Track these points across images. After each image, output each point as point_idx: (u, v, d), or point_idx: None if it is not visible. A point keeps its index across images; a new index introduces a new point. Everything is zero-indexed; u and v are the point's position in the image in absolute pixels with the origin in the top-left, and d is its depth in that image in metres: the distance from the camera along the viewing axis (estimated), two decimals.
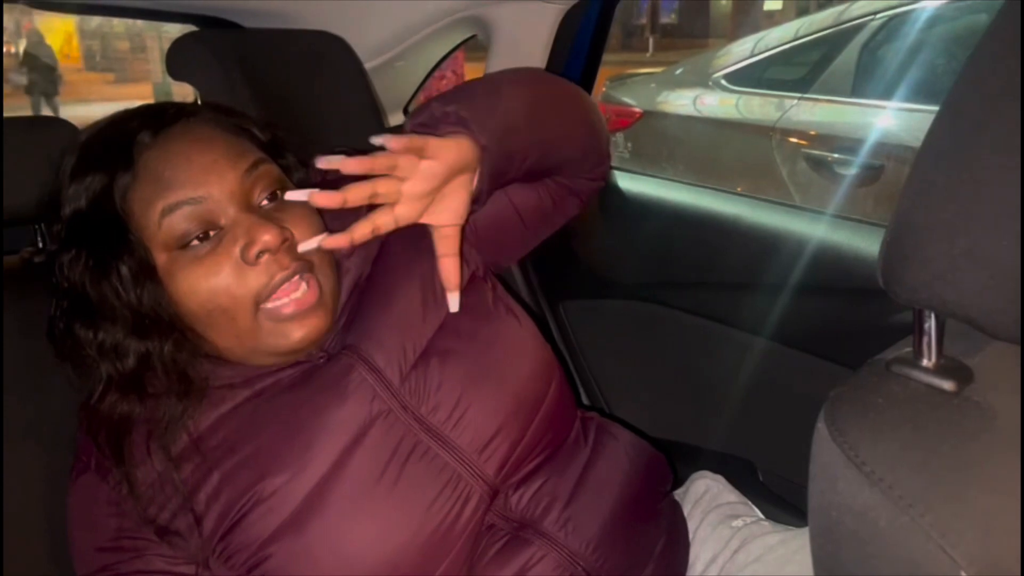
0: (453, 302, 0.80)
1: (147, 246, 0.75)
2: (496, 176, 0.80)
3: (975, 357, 0.51)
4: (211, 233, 0.75)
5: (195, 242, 0.75)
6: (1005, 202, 0.41)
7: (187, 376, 0.78)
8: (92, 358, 0.77)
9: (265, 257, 0.75)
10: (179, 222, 0.74)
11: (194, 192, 0.74)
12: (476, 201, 0.80)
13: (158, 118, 0.80)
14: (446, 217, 0.77)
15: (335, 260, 0.85)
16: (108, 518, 0.77)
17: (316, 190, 0.69)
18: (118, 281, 0.74)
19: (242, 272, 0.75)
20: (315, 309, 0.78)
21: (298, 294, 0.76)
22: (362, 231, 0.72)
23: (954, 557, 0.41)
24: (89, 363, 0.77)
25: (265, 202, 0.79)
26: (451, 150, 0.74)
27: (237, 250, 0.74)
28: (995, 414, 0.46)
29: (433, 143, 0.73)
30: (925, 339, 0.49)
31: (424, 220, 0.77)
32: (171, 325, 0.76)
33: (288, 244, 0.76)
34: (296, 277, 0.76)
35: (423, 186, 0.73)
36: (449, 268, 0.79)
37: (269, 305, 0.76)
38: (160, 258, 0.75)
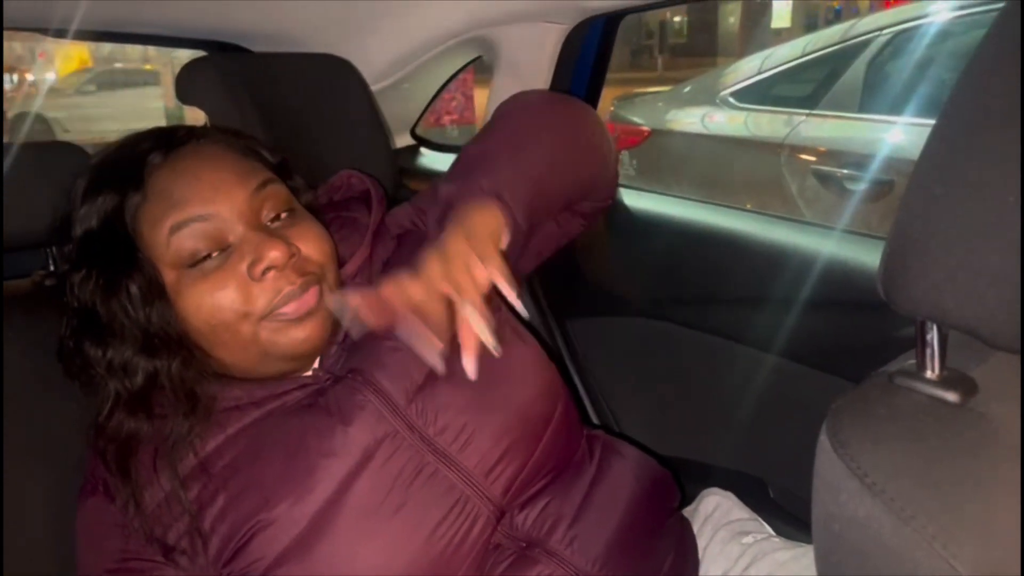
0: (469, 366, 0.70)
1: (156, 264, 0.76)
2: (521, 237, 0.80)
3: (979, 368, 0.50)
4: (217, 253, 0.76)
5: (203, 260, 0.76)
6: (1003, 211, 0.41)
7: (194, 394, 0.78)
8: (101, 376, 0.77)
9: (272, 273, 0.76)
10: (187, 239, 0.75)
11: (203, 210, 0.75)
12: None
13: (169, 139, 0.81)
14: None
15: (341, 278, 0.85)
16: (115, 540, 0.77)
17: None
18: (127, 299, 0.75)
19: (248, 288, 0.75)
20: (315, 313, 0.78)
21: (297, 296, 0.77)
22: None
23: (957, 568, 0.40)
24: (98, 381, 0.78)
25: (273, 221, 0.80)
26: (486, 222, 0.74)
27: (244, 267, 0.75)
28: (999, 425, 0.46)
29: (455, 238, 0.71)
30: (928, 350, 0.49)
31: None
32: (179, 343, 0.77)
33: (295, 260, 0.77)
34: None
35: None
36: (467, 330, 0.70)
37: (273, 315, 0.77)
38: (169, 275, 0.76)
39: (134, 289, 0.76)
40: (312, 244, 0.80)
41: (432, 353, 0.69)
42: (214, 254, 0.76)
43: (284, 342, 0.77)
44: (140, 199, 0.77)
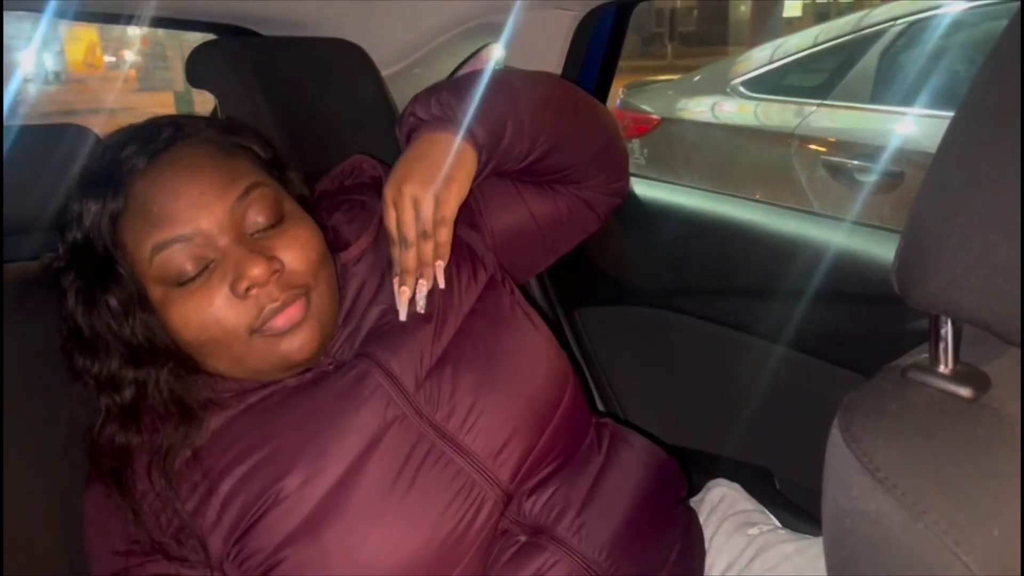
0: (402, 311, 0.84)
1: (140, 280, 0.75)
2: (496, 156, 0.85)
3: (993, 363, 0.50)
4: (201, 269, 0.75)
5: (189, 278, 0.75)
6: (1020, 206, 0.41)
7: (185, 403, 0.78)
8: (92, 388, 0.78)
9: (255, 291, 0.74)
10: (170, 260, 0.74)
11: (183, 229, 0.74)
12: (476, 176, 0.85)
13: (151, 142, 0.79)
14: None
15: (336, 280, 0.84)
16: (121, 523, 0.77)
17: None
18: (108, 314, 0.75)
19: (233, 305, 0.74)
20: (304, 323, 0.77)
21: (280, 311, 0.76)
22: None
23: (968, 564, 0.40)
24: (90, 392, 0.78)
25: (259, 227, 0.78)
26: (453, 192, 0.82)
27: (227, 284, 0.74)
28: (1012, 421, 0.45)
29: (431, 210, 0.81)
30: (941, 345, 0.49)
31: None
32: (167, 353, 0.77)
33: (277, 275, 0.76)
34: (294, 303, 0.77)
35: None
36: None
37: (261, 329, 0.76)
38: (155, 292, 0.76)
39: (114, 303, 0.75)
40: (298, 253, 0.78)
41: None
42: (198, 271, 0.75)
43: (276, 360, 0.77)
44: (121, 207, 0.76)
